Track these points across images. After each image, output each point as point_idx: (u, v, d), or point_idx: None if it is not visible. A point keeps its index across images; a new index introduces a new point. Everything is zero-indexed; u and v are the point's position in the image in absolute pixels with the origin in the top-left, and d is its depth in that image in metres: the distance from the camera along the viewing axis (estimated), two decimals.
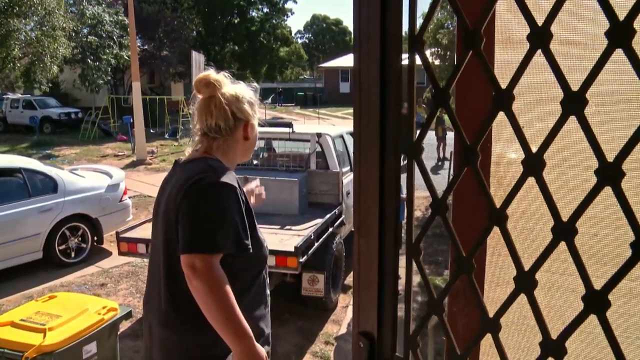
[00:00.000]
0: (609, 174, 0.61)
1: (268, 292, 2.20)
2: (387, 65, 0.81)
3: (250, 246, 1.95)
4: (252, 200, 2.64)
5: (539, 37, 0.63)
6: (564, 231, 0.65)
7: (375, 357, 0.90)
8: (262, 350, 1.86)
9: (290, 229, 6.04)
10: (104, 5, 24.91)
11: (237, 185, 1.97)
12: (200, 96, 2.12)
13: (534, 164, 0.67)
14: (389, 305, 0.88)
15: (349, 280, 7.24)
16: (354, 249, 0.93)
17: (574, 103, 0.61)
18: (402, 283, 0.95)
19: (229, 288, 1.81)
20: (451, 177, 0.85)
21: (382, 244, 0.87)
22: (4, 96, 26.16)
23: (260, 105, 2.23)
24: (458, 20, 0.72)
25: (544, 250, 0.68)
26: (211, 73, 2.10)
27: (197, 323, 1.86)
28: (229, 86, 2.12)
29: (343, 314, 6.24)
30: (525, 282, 0.70)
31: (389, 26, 0.79)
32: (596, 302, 0.65)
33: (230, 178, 1.97)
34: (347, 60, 49.09)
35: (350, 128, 9.20)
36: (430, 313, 0.82)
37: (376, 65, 0.81)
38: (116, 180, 8.46)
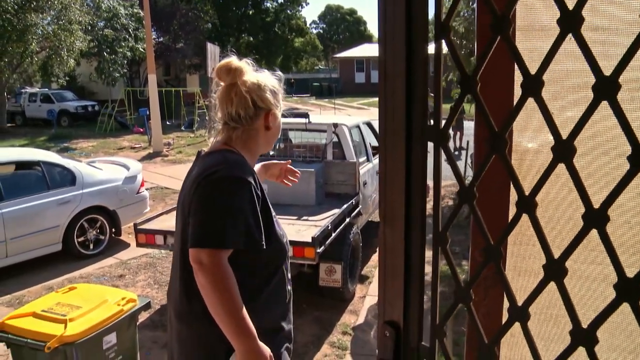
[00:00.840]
0: None
1: (289, 287, 2.14)
2: (413, 53, 0.80)
3: (263, 242, 1.90)
4: (285, 180, 2.64)
5: (570, 21, 0.61)
6: (596, 218, 0.64)
7: (402, 346, 0.89)
8: (266, 349, 1.83)
9: (307, 220, 6.04)
10: None
11: (251, 180, 1.92)
12: (222, 84, 2.06)
13: (564, 151, 0.66)
14: (415, 294, 0.88)
15: (366, 270, 7.24)
16: (379, 238, 0.92)
17: (606, 87, 0.60)
18: (427, 272, 0.95)
19: (234, 285, 1.77)
20: (474, 164, 0.84)
21: (408, 234, 0.86)
22: (22, 90, 26.43)
23: (284, 95, 2.17)
24: (483, 6, 0.71)
25: (575, 237, 0.67)
26: (233, 60, 2.03)
27: (208, 316, 1.83)
28: (251, 74, 2.06)
29: (360, 304, 6.24)
30: (555, 270, 0.69)
31: (415, 13, 0.77)
32: (629, 290, 0.64)
33: (244, 171, 1.92)
34: (362, 51, 48.91)
35: (367, 118, 9.22)
36: (457, 302, 0.81)
37: (402, 53, 0.80)
38: (133, 172, 8.53)
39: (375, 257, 7.76)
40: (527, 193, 0.70)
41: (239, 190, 1.87)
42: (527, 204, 0.69)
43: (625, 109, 0.60)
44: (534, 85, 0.68)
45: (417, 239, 0.86)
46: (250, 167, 1.99)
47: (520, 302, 0.74)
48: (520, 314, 0.73)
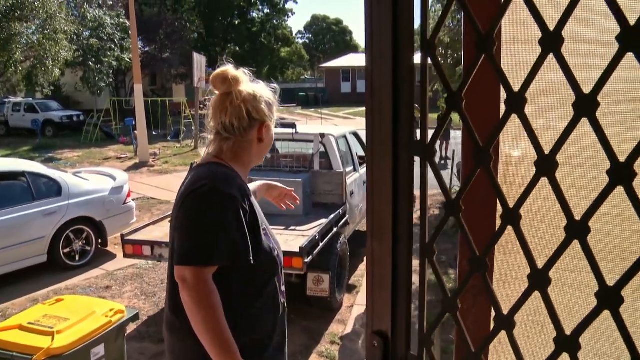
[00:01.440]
0: (623, 174, 0.61)
1: (283, 300, 2.11)
2: (400, 67, 0.82)
3: (250, 256, 1.87)
4: (282, 203, 2.65)
5: (552, 42, 0.64)
6: (577, 230, 0.67)
7: (390, 356, 0.91)
8: None
9: (295, 230, 6.05)
10: (105, 9, 24.95)
11: (237, 194, 1.87)
12: (216, 92, 2.02)
13: (546, 165, 0.68)
14: (402, 305, 0.90)
15: (354, 280, 7.25)
16: (367, 250, 0.94)
17: (586, 105, 0.62)
18: (414, 281, 0.97)
19: (217, 302, 1.76)
20: (461, 175, 0.86)
21: (395, 245, 0.88)
22: (6, 100, 26.22)
23: (279, 107, 2.14)
24: (469, 24, 0.73)
25: (557, 249, 0.69)
26: (229, 68, 1.99)
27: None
28: (247, 84, 2.02)
29: (348, 314, 6.25)
30: (539, 280, 0.71)
31: (401, 28, 0.80)
32: (609, 298, 0.66)
33: (230, 186, 1.88)
34: (348, 61, 49.10)
35: (353, 128, 9.25)
36: (444, 311, 0.83)
37: (388, 67, 0.82)
38: (120, 182, 8.49)
39: (362, 267, 7.78)
40: (511, 205, 0.73)
41: (223, 205, 1.84)
42: (512, 217, 0.71)
43: (604, 124, 0.63)
44: (517, 103, 0.70)
45: (404, 250, 0.88)
46: (237, 181, 1.95)
47: (506, 311, 0.76)
48: (506, 323, 0.75)
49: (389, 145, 0.84)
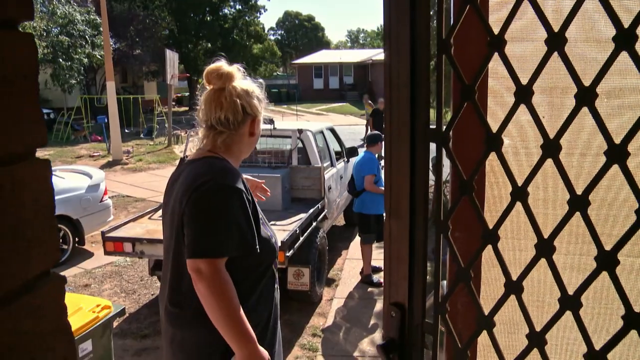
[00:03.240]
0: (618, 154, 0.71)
1: (276, 284, 2.21)
2: (417, 64, 0.91)
3: (257, 246, 1.96)
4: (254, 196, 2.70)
5: (556, 41, 0.73)
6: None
7: (407, 325, 1.00)
8: (265, 353, 1.90)
9: (275, 224, 6.10)
10: (75, 5, 24.55)
11: (241, 186, 1.97)
12: (209, 87, 2.09)
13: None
14: (418, 278, 0.99)
15: (332, 274, 7.35)
16: (384, 229, 1.03)
17: (587, 95, 0.72)
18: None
19: (233, 291, 1.84)
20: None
21: (412, 223, 0.97)
22: None
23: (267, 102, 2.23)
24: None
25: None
26: (223, 64, 2.07)
27: (202, 320, 1.89)
28: (241, 80, 2.10)
29: (328, 307, 6.34)
30: (514, 287, 0.81)
31: (418, 27, 0.88)
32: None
33: (233, 179, 1.97)
34: (320, 57, 49.21)
35: (329, 124, 9.33)
36: (458, 280, 0.92)
37: (406, 65, 0.90)
38: (96, 180, 8.42)
39: (340, 261, 7.89)
40: (520, 183, 0.82)
41: (230, 199, 1.92)
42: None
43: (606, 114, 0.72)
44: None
45: (420, 226, 0.97)
46: (238, 173, 2.04)
47: (515, 277, 0.85)
48: (515, 288, 0.85)
49: (407, 133, 0.93)
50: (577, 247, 1.07)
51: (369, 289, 6.87)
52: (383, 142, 5.41)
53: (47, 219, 0.66)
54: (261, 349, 1.89)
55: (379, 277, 7.01)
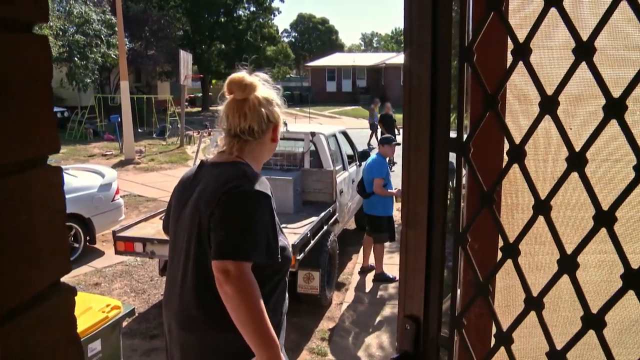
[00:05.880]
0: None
1: (287, 295, 2.21)
2: (438, 72, 0.89)
3: (279, 255, 1.96)
4: None
5: (585, 51, 0.71)
6: (604, 219, 0.74)
7: (421, 337, 0.98)
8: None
9: (286, 227, 6.05)
10: (90, 5, 24.73)
11: (270, 194, 1.98)
12: (230, 96, 2.09)
13: (578, 162, 0.76)
14: (435, 290, 0.97)
15: (342, 278, 7.33)
16: (401, 238, 1.01)
17: (616, 108, 0.69)
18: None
19: (259, 295, 1.82)
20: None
21: (429, 234, 0.95)
22: None
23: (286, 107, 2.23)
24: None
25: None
26: (245, 75, 2.08)
27: (221, 325, 1.89)
28: (262, 89, 2.11)
29: (338, 311, 6.32)
30: (568, 264, 0.78)
31: (440, 33, 0.86)
32: (535, 302, 0.74)
33: (264, 186, 1.98)
34: (333, 60, 49.21)
35: (342, 127, 9.32)
36: (477, 294, 0.90)
37: (427, 73, 0.89)
38: (108, 179, 8.46)
39: (350, 265, 7.86)
40: (543, 197, 0.80)
41: (260, 205, 1.93)
42: (544, 207, 0.79)
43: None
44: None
45: (438, 238, 0.95)
46: (266, 181, 2.05)
47: (535, 293, 0.83)
48: (536, 303, 0.83)
49: (426, 141, 0.91)
50: (602, 261, 1.05)
51: (379, 294, 6.84)
52: (394, 145, 5.38)
53: (59, 227, 0.64)
54: (282, 355, 1.88)
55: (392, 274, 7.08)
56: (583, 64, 0.73)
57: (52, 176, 0.64)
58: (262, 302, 1.83)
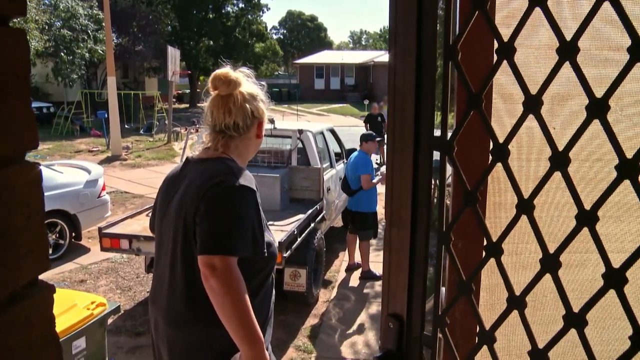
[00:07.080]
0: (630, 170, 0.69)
1: (274, 291, 2.21)
2: (423, 71, 0.89)
3: (265, 249, 1.96)
4: None
5: (568, 51, 0.71)
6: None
7: (404, 336, 0.98)
8: (272, 358, 1.89)
9: (272, 224, 6.08)
10: None
11: (255, 188, 1.99)
12: (214, 92, 2.09)
13: (560, 162, 0.76)
14: (418, 288, 0.97)
15: (329, 275, 7.33)
16: (385, 237, 1.01)
17: (599, 108, 0.69)
18: None
19: (245, 290, 1.82)
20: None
21: (413, 233, 0.95)
22: None
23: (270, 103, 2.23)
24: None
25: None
26: (230, 71, 2.07)
27: (208, 321, 1.88)
28: (246, 84, 2.11)
29: (324, 309, 6.32)
30: (550, 263, 0.79)
31: (425, 34, 0.86)
32: (516, 301, 0.75)
33: (248, 181, 1.98)
34: (322, 57, 49.20)
35: (330, 124, 9.31)
36: (460, 293, 0.90)
37: (412, 72, 0.88)
38: (95, 176, 8.39)
39: (337, 262, 7.87)
40: (526, 196, 0.80)
41: (246, 199, 1.93)
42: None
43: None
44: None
45: (422, 237, 0.95)
46: (251, 175, 2.05)
47: (518, 292, 0.84)
48: (517, 302, 0.83)
49: (411, 140, 0.91)
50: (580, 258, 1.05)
51: (365, 292, 6.85)
52: (376, 142, 5.38)
53: (38, 224, 0.63)
54: (266, 352, 1.88)
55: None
56: (567, 64, 0.73)
57: (31, 173, 0.63)
58: (247, 297, 1.82)
